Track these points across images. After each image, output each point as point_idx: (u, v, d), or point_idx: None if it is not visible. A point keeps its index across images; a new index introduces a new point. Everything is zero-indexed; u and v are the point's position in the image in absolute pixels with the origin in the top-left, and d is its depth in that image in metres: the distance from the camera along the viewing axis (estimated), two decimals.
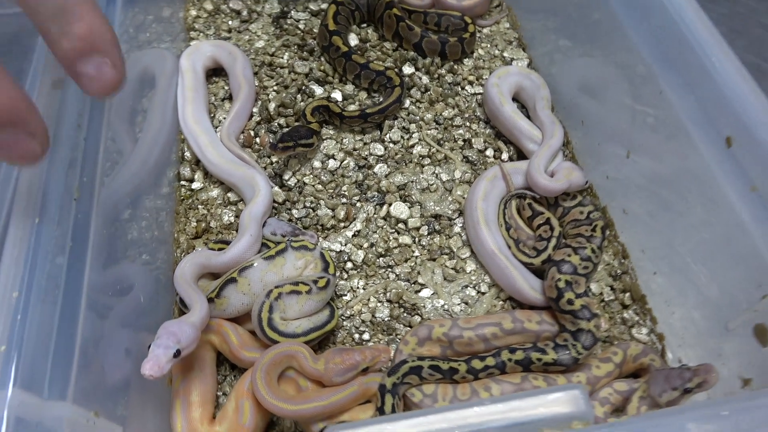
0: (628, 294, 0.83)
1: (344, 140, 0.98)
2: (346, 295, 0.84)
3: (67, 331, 0.57)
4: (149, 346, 0.64)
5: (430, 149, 0.97)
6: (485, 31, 1.14)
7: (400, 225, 0.89)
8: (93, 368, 0.59)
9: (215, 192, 0.93)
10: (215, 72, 1.07)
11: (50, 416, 0.49)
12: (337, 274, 0.84)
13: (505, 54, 1.10)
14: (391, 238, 0.88)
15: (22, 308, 0.51)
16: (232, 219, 0.90)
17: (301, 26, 1.14)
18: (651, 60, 0.74)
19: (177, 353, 0.64)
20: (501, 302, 0.83)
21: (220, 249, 0.81)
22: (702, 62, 0.65)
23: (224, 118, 0.99)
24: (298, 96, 1.03)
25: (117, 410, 0.62)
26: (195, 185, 0.94)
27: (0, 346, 0.48)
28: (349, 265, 0.86)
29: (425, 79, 1.05)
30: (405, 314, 0.82)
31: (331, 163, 0.95)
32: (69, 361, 0.55)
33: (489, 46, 1.12)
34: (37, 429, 0.48)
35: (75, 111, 0.69)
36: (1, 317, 0.50)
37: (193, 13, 1.16)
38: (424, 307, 0.82)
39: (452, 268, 0.85)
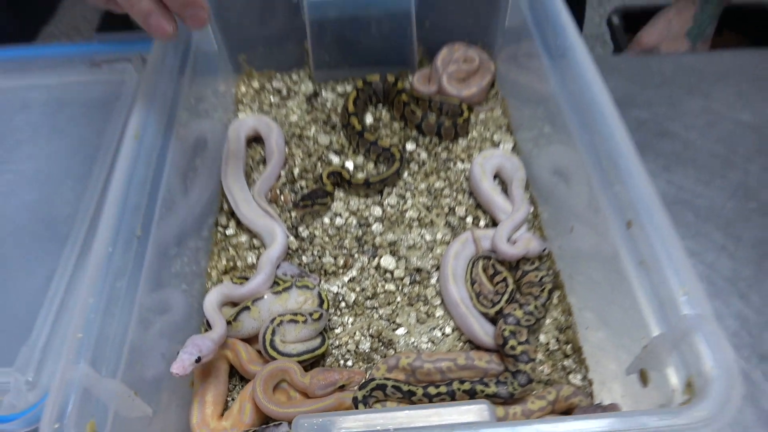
0: (569, 345, 0.98)
1: (350, 202, 1.19)
2: (337, 328, 1.03)
3: (120, 335, 0.77)
4: (178, 353, 0.85)
5: (419, 214, 1.17)
6: (481, 116, 1.35)
7: (387, 274, 1.08)
8: (136, 365, 0.79)
9: (243, 238, 1.15)
10: (255, 139, 1.32)
11: (104, 388, 0.69)
12: (331, 311, 1.03)
13: (495, 137, 1.30)
14: (379, 284, 1.07)
15: (94, 311, 0.73)
16: (254, 260, 1.11)
17: (328, 105, 1.38)
18: (586, 156, 0.92)
19: (198, 359, 0.85)
20: (461, 343, 1.00)
21: (240, 283, 1.02)
22: (617, 162, 0.83)
23: (257, 178, 1.22)
24: (318, 163, 1.26)
25: (150, 405, 0.81)
26: (228, 231, 1.17)
27: (78, 334, 0.70)
28: (343, 304, 1.05)
29: (424, 155, 1.27)
30: (382, 347, 1.00)
31: (338, 220, 1.16)
32: (120, 356, 0.76)
33: (482, 129, 1.32)
34: (96, 395, 0.68)
35: (144, 168, 0.93)
36: (82, 314, 0.71)
37: (243, 89, 1.42)
38: (398, 342, 1.00)
39: (425, 313, 1.03)
